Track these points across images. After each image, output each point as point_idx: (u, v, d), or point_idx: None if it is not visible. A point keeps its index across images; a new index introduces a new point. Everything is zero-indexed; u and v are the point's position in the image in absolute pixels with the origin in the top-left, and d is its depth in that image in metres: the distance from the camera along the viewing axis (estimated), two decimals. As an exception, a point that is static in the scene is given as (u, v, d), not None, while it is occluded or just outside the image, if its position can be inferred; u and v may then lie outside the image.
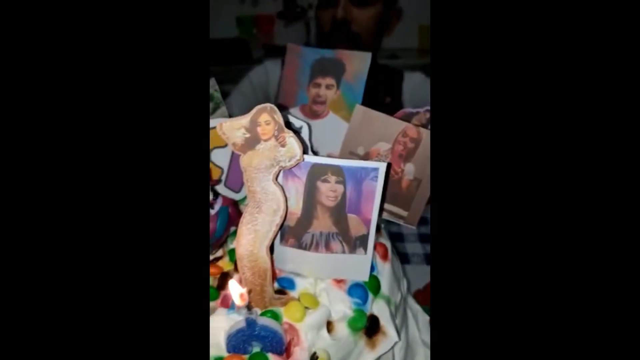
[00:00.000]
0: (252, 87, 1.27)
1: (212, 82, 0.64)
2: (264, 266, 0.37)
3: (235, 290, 0.34)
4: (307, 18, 2.28)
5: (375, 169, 0.38)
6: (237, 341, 0.36)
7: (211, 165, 0.50)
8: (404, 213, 0.52)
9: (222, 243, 0.46)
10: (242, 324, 0.35)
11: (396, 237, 0.78)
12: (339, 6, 1.06)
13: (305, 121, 0.54)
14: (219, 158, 0.51)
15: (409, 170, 0.50)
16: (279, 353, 0.36)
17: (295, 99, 0.63)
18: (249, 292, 0.35)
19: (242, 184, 0.54)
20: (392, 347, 0.44)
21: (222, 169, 0.51)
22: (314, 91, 0.61)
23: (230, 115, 0.56)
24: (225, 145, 0.52)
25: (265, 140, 0.34)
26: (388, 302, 0.45)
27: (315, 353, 0.37)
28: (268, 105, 0.33)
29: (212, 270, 0.42)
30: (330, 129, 0.59)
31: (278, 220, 0.37)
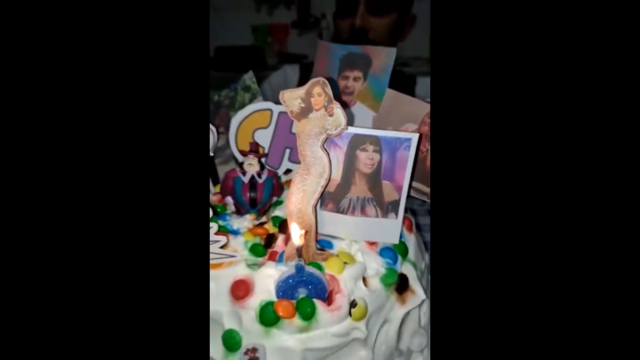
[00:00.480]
0: (271, 89, 1.35)
1: (250, 74, 0.70)
2: (310, 222, 0.42)
3: (296, 231, 0.39)
4: (320, 28, 2.37)
5: (409, 139, 0.43)
6: (286, 287, 0.40)
7: (255, 144, 0.55)
8: (428, 190, 0.56)
9: (266, 210, 0.51)
10: (292, 271, 0.40)
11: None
12: (357, 15, 1.14)
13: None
14: (262, 138, 0.57)
15: (433, 150, 0.55)
16: (322, 299, 0.41)
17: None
18: (306, 234, 0.40)
19: (280, 163, 0.59)
20: (420, 306, 0.48)
21: (264, 147, 0.56)
22: (343, 83, 0.67)
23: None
24: (267, 127, 0.58)
25: (317, 110, 0.40)
26: (414, 266, 0.50)
27: (354, 300, 0.41)
28: (321, 79, 0.39)
29: (259, 231, 0.47)
30: (358, 118, 0.65)
31: (323, 182, 0.42)
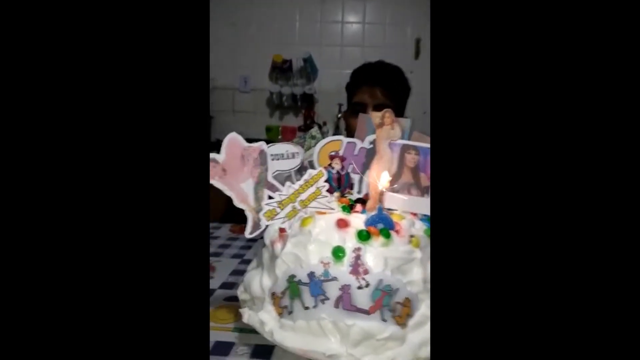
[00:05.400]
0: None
1: (315, 128, 1.05)
2: (382, 189, 0.71)
3: (385, 178, 0.66)
4: (321, 132, 2.90)
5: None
6: (372, 220, 0.66)
7: (337, 153, 0.85)
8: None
9: (345, 192, 0.78)
10: (373, 213, 0.66)
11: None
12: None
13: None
14: (333, 157, 0.88)
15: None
16: (392, 229, 0.66)
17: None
18: (380, 194, 0.68)
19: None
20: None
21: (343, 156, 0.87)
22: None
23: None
24: (338, 151, 0.89)
25: (386, 125, 0.73)
26: (440, 233, 0.76)
27: (412, 234, 0.67)
28: (389, 110, 0.73)
29: (343, 200, 0.74)
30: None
31: (389, 165, 0.72)
